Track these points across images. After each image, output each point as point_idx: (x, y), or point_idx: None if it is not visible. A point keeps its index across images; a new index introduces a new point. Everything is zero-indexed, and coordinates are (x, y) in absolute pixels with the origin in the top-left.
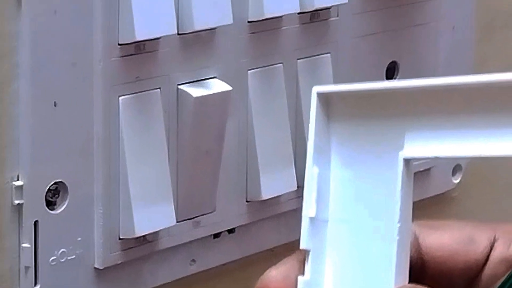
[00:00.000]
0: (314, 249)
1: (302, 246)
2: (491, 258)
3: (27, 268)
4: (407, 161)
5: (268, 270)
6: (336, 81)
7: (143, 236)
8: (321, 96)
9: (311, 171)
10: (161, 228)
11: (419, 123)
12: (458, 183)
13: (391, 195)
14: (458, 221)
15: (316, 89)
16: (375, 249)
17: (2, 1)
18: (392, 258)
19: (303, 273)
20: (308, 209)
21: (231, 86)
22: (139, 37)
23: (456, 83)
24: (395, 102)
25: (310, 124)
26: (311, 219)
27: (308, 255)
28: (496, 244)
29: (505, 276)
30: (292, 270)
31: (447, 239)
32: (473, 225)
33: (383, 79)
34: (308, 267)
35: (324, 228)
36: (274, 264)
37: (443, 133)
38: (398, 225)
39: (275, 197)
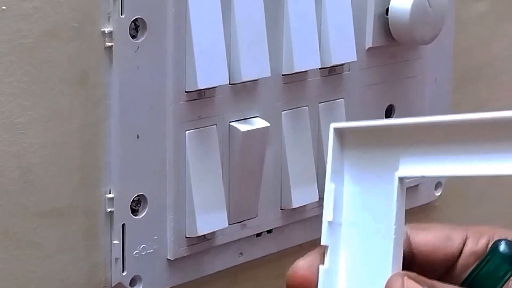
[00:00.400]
0: (331, 245)
1: (322, 242)
2: (464, 252)
3: (116, 259)
4: (401, 179)
5: (297, 261)
6: (348, 119)
7: (204, 235)
8: (337, 131)
9: (329, 187)
10: (217, 229)
11: (410, 150)
12: (439, 195)
13: (389, 204)
14: (439, 224)
15: (333, 125)
16: (377, 245)
17: (98, 60)
18: (389, 251)
19: (323, 263)
20: (327, 214)
21: (269, 123)
22: (201, 86)
23: (438, 121)
24: (392, 135)
25: (328, 151)
26: (329, 222)
27: (327, 249)
28: (467, 241)
29: (474, 265)
30: (315, 260)
31: (431, 237)
32: (450, 227)
33: (382, 118)
34: (327, 258)
35: (339, 229)
36: (301, 256)
37: (428, 158)
38: (394, 227)
39: (302, 206)
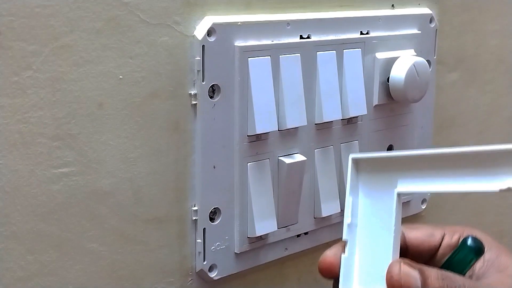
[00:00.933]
0: (349, 240)
1: (344, 238)
2: (442, 244)
3: (199, 252)
4: (399, 194)
5: (326, 251)
6: None
7: (260, 236)
8: (354, 160)
9: (348, 199)
10: (269, 232)
11: (406, 174)
12: (424, 208)
13: (390, 211)
14: (425, 225)
15: (351, 155)
16: (381, 240)
17: (186, 114)
18: (390, 245)
19: (344, 252)
20: (347, 218)
21: (306, 158)
22: (258, 132)
23: (424, 153)
24: (392, 163)
25: (347, 174)
26: (348, 224)
27: (346, 243)
28: (445, 237)
29: (449, 254)
30: (338, 251)
31: (419, 234)
32: (433, 227)
33: None
34: (346, 249)
35: (355, 229)
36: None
37: (418, 180)
38: (394, 227)
39: (328, 215)
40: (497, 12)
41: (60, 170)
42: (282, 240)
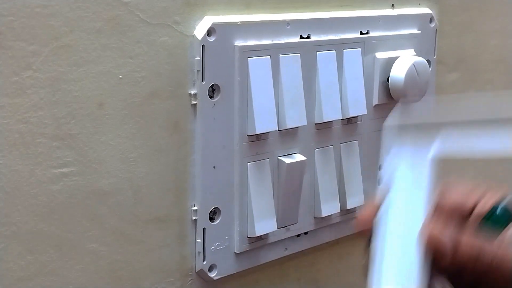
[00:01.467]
0: (384, 201)
1: (378, 200)
2: (476, 209)
3: (199, 252)
4: (434, 159)
5: (362, 209)
6: (361, 156)
7: (260, 235)
8: (390, 127)
9: (385, 162)
10: (269, 231)
11: (441, 139)
12: None
13: (424, 175)
14: (465, 183)
15: (386, 123)
16: (416, 201)
17: (186, 113)
18: (423, 207)
19: (378, 213)
20: (382, 179)
21: (306, 157)
22: (258, 132)
23: (460, 120)
24: (427, 129)
25: (383, 140)
26: (383, 185)
27: (381, 204)
28: (480, 201)
29: (481, 219)
30: (374, 210)
31: (454, 197)
32: (471, 187)
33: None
34: (380, 210)
35: (390, 191)
36: (331, 249)
37: (454, 145)
38: (427, 191)
39: (328, 215)
40: (497, 12)
41: (60, 170)
42: (282, 240)
